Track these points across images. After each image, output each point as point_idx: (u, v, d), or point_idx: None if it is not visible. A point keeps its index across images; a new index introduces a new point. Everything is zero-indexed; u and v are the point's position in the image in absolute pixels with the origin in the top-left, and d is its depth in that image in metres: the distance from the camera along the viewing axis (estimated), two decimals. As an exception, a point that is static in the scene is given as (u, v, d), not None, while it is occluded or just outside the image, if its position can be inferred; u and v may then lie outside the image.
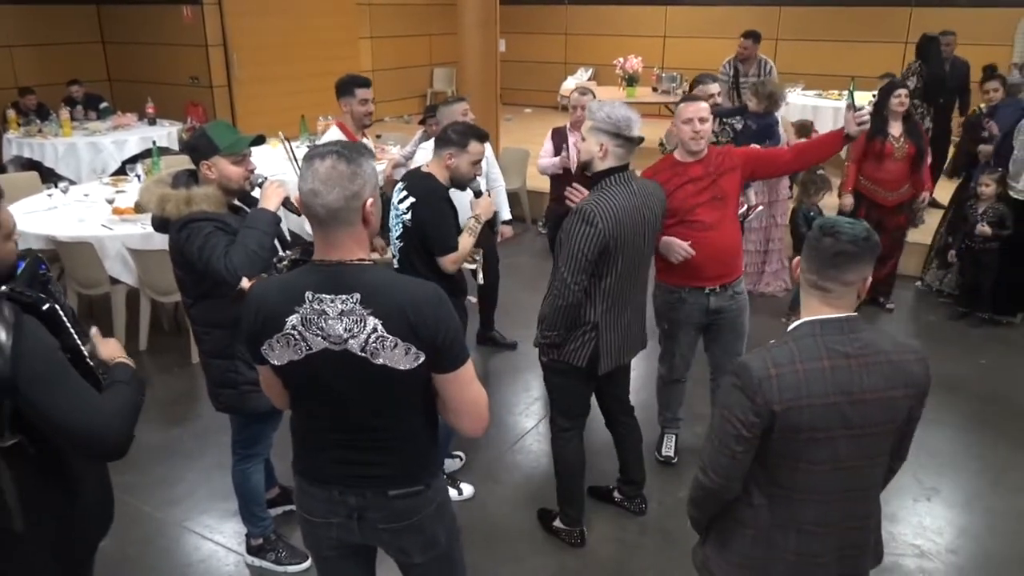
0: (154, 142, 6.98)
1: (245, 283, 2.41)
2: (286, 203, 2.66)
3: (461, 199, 3.40)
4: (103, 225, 4.83)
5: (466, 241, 3.23)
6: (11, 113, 7.70)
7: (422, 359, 1.71)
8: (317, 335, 1.71)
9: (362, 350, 1.70)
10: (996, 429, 4.11)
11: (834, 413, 1.74)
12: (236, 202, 2.70)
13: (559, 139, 5.03)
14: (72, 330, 1.76)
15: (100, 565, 2.08)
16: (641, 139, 2.78)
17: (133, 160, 6.94)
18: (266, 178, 2.74)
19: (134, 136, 7.71)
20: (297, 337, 1.72)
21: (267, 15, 9.02)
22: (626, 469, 3.41)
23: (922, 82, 6.77)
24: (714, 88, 4.93)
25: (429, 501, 1.91)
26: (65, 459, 1.81)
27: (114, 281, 4.74)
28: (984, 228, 5.08)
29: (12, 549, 1.76)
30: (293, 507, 3.38)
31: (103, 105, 8.48)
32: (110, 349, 1.92)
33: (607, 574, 3.14)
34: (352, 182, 1.66)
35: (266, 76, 9.08)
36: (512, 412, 4.29)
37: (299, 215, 2.86)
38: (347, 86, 4.03)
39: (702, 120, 3.21)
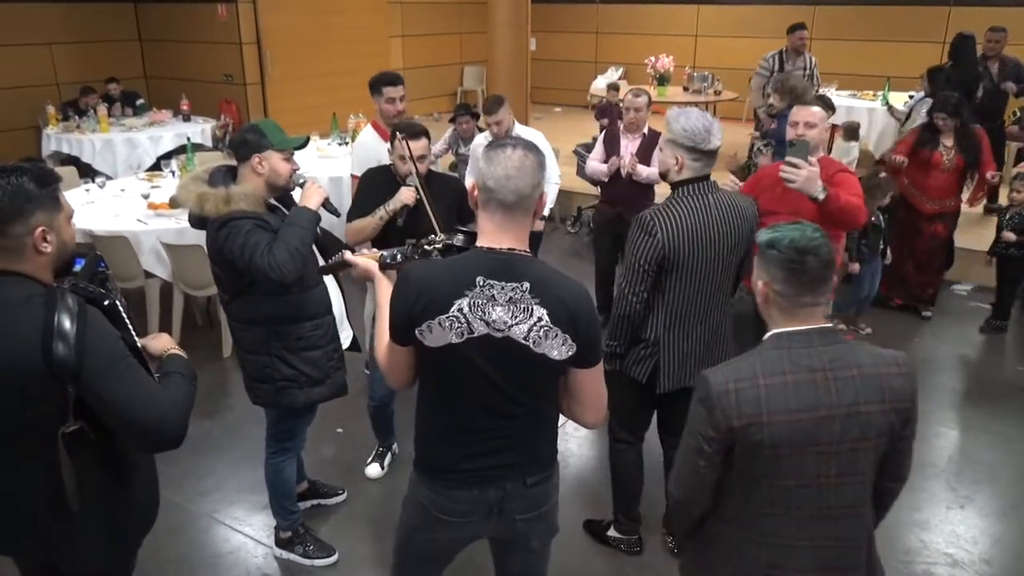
0: (188, 138, 7.11)
1: (350, 256, 2.20)
2: (325, 203, 2.71)
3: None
4: (138, 220, 4.91)
5: (365, 222, 3.23)
6: (50, 109, 7.87)
7: (573, 351, 1.80)
8: (481, 320, 1.76)
9: (525, 338, 1.77)
10: (1035, 437, 4.03)
11: (798, 430, 1.66)
12: (273, 201, 2.73)
13: (611, 141, 4.81)
14: (130, 326, 1.81)
15: (132, 554, 2.11)
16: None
17: (168, 156, 7.05)
18: (305, 179, 2.78)
19: (169, 132, 7.85)
20: (461, 320, 1.76)
21: (300, 13, 9.11)
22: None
23: (951, 86, 6.58)
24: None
25: (555, 488, 2.03)
26: (121, 448, 1.85)
27: (148, 275, 4.82)
28: (1008, 234, 4.97)
29: (68, 530, 1.82)
30: (322, 502, 3.46)
31: (139, 102, 8.63)
32: (161, 343, 1.97)
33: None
34: (539, 172, 1.79)
35: (298, 73, 9.17)
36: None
37: (338, 215, 2.89)
38: (376, 84, 3.99)
39: (808, 124, 3.17)
